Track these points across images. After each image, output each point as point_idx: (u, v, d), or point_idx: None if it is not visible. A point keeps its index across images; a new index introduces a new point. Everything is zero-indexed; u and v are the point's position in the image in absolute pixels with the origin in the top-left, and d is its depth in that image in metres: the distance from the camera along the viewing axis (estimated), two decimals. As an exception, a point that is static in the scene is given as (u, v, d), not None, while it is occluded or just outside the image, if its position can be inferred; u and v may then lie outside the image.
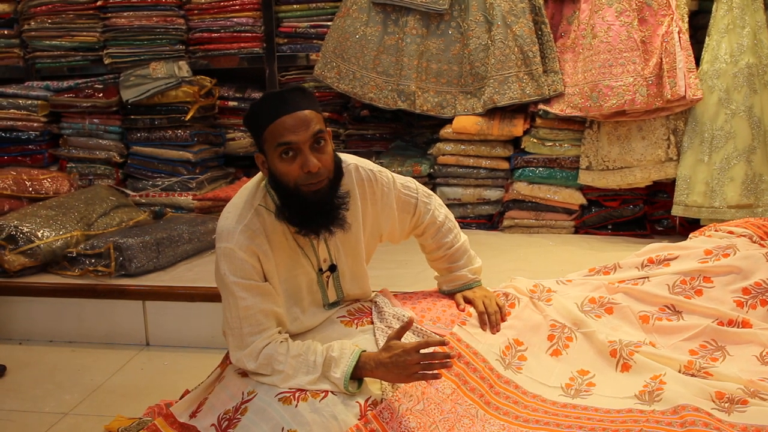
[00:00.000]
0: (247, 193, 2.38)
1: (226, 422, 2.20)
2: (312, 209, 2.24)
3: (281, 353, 2.26)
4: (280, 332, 2.34)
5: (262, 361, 2.26)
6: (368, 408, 2.19)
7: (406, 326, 2.27)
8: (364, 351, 2.27)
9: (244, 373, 2.33)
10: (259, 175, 2.40)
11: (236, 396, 2.26)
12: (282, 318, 2.36)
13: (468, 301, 2.69)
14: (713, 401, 2.27)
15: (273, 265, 2.33)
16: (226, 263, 2.27)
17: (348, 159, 2.49)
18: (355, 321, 2.51)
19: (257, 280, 2.29)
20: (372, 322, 2.50)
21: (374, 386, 2.28)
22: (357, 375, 2.22)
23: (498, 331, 2.60)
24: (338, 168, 2.33)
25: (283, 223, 2.30)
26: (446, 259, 2.76)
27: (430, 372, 2.17)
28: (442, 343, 2.23)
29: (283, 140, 2.19)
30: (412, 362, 2.16)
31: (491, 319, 2.62)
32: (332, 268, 2.49)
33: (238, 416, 2.17)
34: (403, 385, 2.28)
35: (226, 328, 2.35)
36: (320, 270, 2.46)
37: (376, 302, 2.58)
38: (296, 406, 2.14)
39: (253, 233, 2.29)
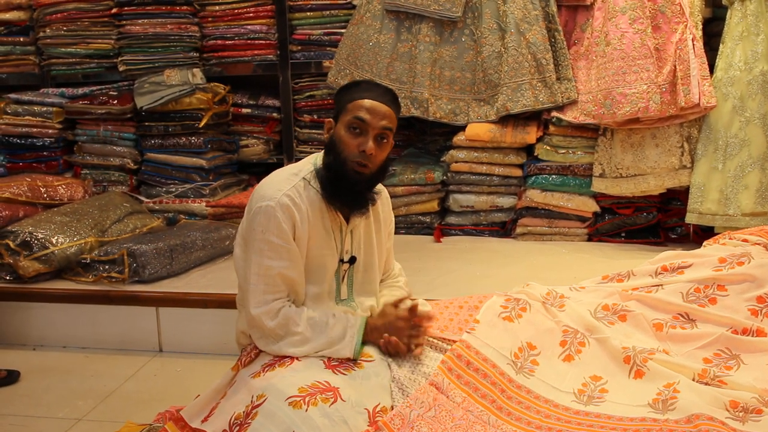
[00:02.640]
0: (293, 168, 2.56)
1: (237, 427, 2.20)
2: (345, 186, 2.44)
3: (298, 314, 2.42)
4: (290, 300, 2.48)
5: (281, 321, 2.40)
6: (377, 414, 2.20)
7: (404, 298, 2.55)
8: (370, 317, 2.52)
9: (254, 377, 2.35)
10: (313, 155, 2.59)
11: (246, 400, 2.26)
12: (297, 288, 2.48)
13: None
14: (727, 410, 2.26)
15: (305, 236, 2.45)
16: (264, 219, 2.40)
17: None
18: None
19: (287, 243, 2.41)
20: None
21: (383, 393, 2.30)
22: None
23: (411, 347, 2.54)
24: (383, 171, 2.52)
25: (317, 191, 2.48)
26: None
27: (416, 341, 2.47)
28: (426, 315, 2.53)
29: (359, 115, 2.41)
30: (403, 328, 2.45)
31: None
32: (352, 260, 2.59)
33: (249, 421, 2.18)
34: (414, 391, 2.31)
35: (245, 285, 2.46)
36: (341, 260, 2.56)
37: None
38: (306, 410, 2.15)
39: (294, 198, 2.43)
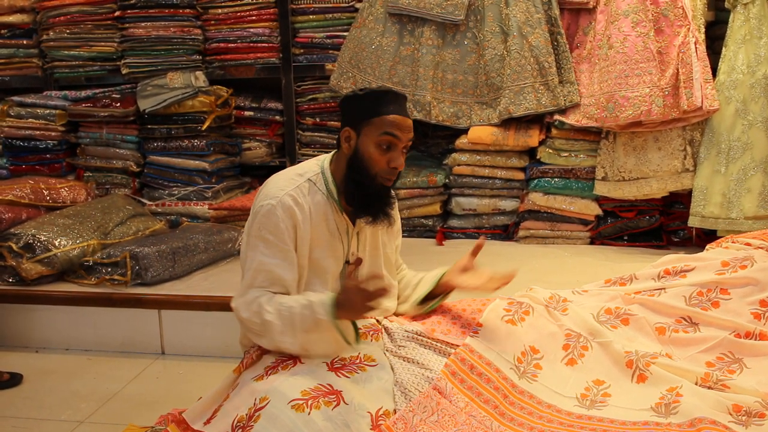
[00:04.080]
0: (299, 168, 2.55)
1: (240, 430, 2.20)
2: (376, 198, 2.47)
3: (267, 302, 2.36)
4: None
5: (253, 309, 2.38)
6: (379, 418, 2.20)
7: (356, 263, 2.50)
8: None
9: (257, 379, 2.35)
10: (319, 157, 2.57)
11: (249, 403, 2.26)
12: (289, 289, 2.45)
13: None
14: (730, 414, 2.25)
15: (307, 236, 2.45)
16: (264, 218, 2.40)
17: None
18: (370, 333, 2.55)
19: (286, 244, 2.40)
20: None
21: (386, 397, 2.30)
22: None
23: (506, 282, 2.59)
24: (397, 178, 2.53)
25: (332, 201, 2.48)
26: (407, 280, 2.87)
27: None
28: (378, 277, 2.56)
29: (392, 132, 2.41)
30: (359, 299, 2.28)
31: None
32: (357, 262, 2.57)
33: (251, 423, 2.18)
34: (417, 395, 2.31)
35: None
36: (347, 261, 2.57)
37: (385, 326, 2.63)
38: (309, 413, 2.15)
39: (297, 199, 2.43)
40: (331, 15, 5.04)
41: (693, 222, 4.18)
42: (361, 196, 2.44)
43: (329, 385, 2.27)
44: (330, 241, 2.51)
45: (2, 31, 5.39)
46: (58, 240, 3.90)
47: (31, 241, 3.86)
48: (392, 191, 2.55)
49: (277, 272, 2.41)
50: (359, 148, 2.43)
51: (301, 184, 2.47)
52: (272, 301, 2.37)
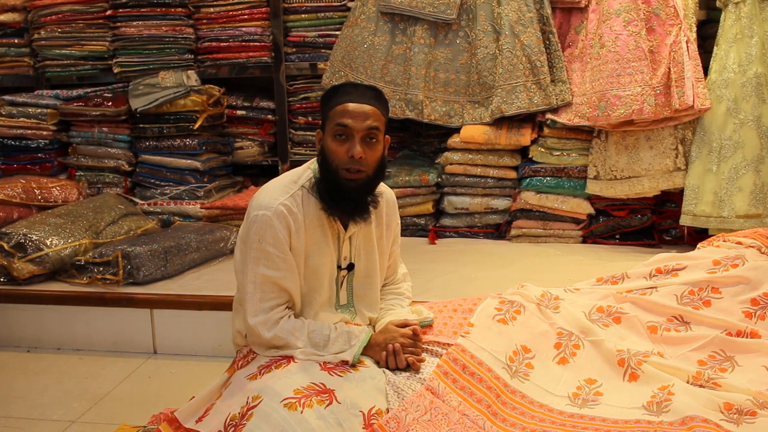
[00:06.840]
0: (292, 175, 2.54)
1: (233, 428, 2.20)
2: (342, 194, 2.42)
3: (297, 328, 2.42)
4: (288, 308, 2.49)
5: (278, 333, 2.41)
6: (372, 417, 2.21)
7: (411, 323, 2.55)
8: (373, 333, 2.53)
9: (250, 378, 2.35)
10: (310, 162, 2.57)
11: (242, 401, 2.27)
12: (293, 298, 2.48)
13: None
14: (722, 412, 2.26)
15: (302, 245, 2.45)
16: (260, 229, 2.40)
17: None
18: None
19: (284, 253, 2.42)
20: None
21: (379, 396, 2.30)
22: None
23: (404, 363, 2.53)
24: (380, 171, 2.49)
25: (317, 198, 2.47)
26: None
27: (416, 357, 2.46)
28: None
29: (341, 121, 2.39)
30: (404, 344, 2.46)
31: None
32: (350, 267, 2.59)
33: (244, 422, 2.18)
34: (410, 395, 2.31)
35: (243, 292, 2.47)
36: (339, 267, 2.57)
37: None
38: (302, 412, 2.15)
39: (291, 208, 2.43)
40: (323, 14, 5.03)
41: (684, 221, 4.19)
42: (330, 191, 2.44)
43: (322, 384, 2.27)
44: (324, 246, 2.51)
45: (-6, 30, 5.38)
46: (50, 239, 3.89)
47: (23, 240, 3.85)
48: (374, 189, 2.50)
49: (283, 285, 2.44)
50: (323, 145, 2.46)
51: (294, 193, 2.47)
52: (303, 328, 2.44)
